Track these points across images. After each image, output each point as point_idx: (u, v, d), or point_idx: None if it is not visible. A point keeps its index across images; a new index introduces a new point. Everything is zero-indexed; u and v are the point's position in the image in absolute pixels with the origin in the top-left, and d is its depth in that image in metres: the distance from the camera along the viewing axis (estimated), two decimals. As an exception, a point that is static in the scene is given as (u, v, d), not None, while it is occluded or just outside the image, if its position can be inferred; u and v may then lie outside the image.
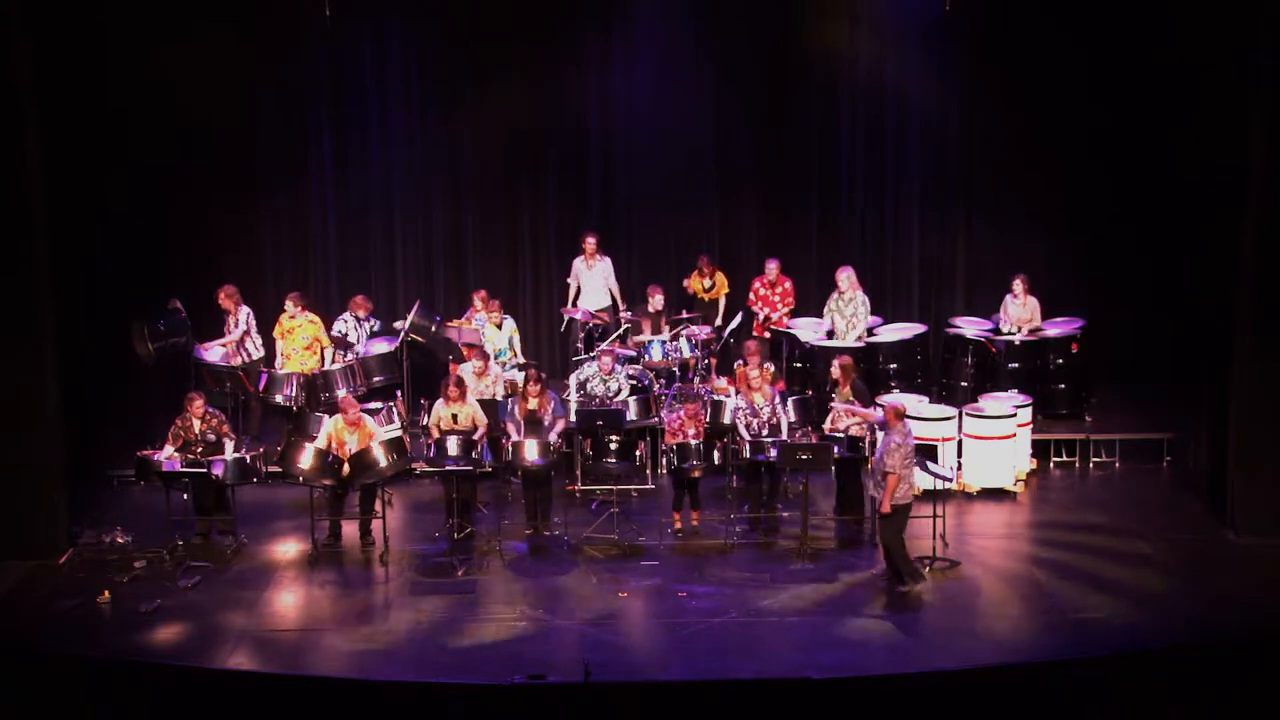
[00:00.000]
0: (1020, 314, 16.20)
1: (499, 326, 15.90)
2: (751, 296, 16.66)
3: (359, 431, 13.57)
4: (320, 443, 13.49)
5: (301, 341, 15.73)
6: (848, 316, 16.10)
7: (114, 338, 15.17)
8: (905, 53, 17.18)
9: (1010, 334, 16.08)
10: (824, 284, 16.63)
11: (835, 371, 13.96)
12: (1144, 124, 16.24)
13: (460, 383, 13.93)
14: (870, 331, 16.39)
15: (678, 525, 13.84)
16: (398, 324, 15.89)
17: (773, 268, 16.57)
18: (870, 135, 17.48)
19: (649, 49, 17.16)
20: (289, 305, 15.87)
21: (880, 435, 12.84)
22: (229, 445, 13.59)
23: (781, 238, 17.56)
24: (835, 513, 13.77)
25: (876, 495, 12.62)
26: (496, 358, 15.42)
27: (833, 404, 13.90)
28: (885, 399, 12.89)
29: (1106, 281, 17.14)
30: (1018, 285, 16.17)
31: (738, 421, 13.82)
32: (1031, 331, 16.11)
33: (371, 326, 16.15)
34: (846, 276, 16.15)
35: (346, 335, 15.92)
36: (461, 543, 13.56)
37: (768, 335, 16.36)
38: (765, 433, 13.60)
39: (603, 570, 13.16)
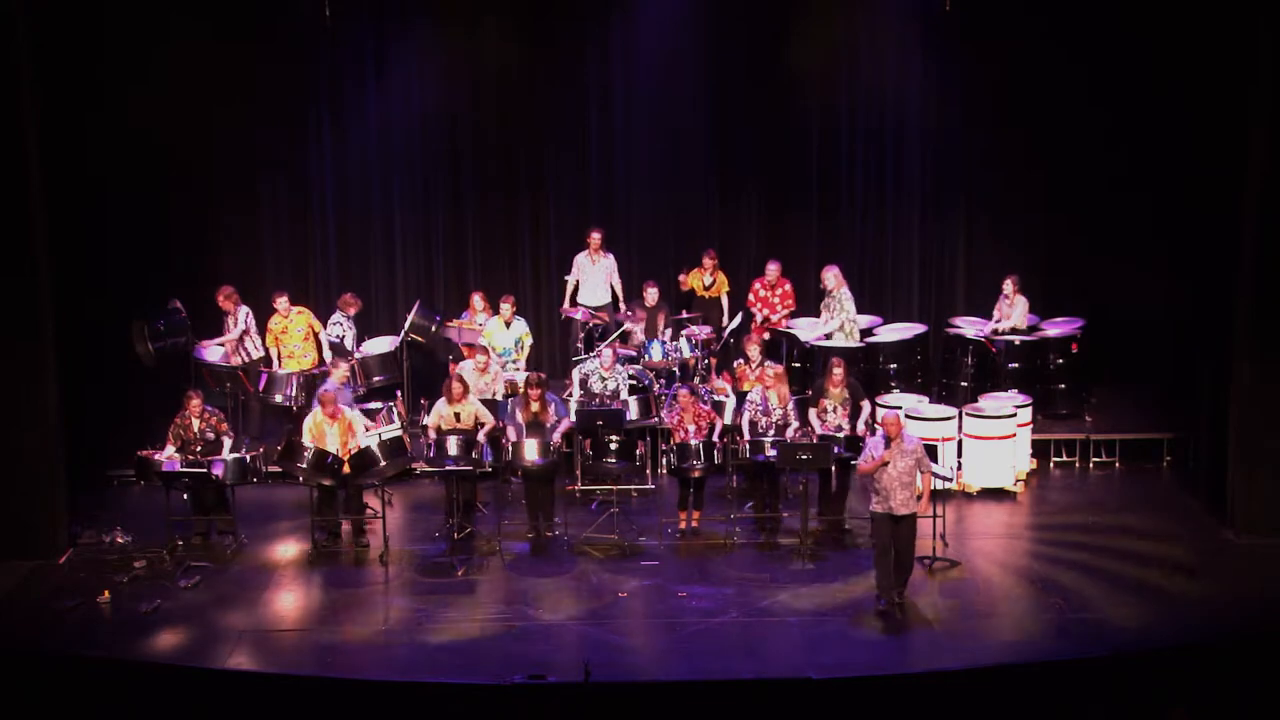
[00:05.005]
0: (1007, 312, 16.24)
1: (508, 325, 15.87)
2: (751, 298, 16.64)
3: (338, 424, 13.56)
4: (305, 441, 13.46)
5: (298, 335, 15.70)
6: (834, 312, 16.10)
7: (114, 338, 15.17)
8: (905, 52, 17.18)
9: (1002, 331, 16.11)
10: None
11: (839, 372, 13.77)
12: (1144, 124, 16.23)
13: (462, 381, 13.91)
14: (870, 331, 16.38)
15: (682, 525, 13.84)
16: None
17: (773, 270, 16.55)
18: (870, 135, 17.47)
19: (649, 48, 17.16)
20: (280, 305, 15.73)
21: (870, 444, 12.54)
22: (227, 444, 13.60)
23: (781, 237, 17.55)
24: (816, 512, 13.57)
25: (891, 507, 12.19)
26: (499, 355, 15.39)
27: (823, 401, 13.83)
28: (885, 414, 12.77)
29: (1106, 282, 17.13)
30: (1008, 285, 16.18)
31: (744, 414, 13.78)
32: (1012, 331, 16.10)
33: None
34: (833, 275, 16.14)
35: (343, 340, 15.87)
36: (461, 543, 13.56)
37: (766, 336, 16.35)
38: (772, 433, 13.58)
39: (603, 570, 13.17)
